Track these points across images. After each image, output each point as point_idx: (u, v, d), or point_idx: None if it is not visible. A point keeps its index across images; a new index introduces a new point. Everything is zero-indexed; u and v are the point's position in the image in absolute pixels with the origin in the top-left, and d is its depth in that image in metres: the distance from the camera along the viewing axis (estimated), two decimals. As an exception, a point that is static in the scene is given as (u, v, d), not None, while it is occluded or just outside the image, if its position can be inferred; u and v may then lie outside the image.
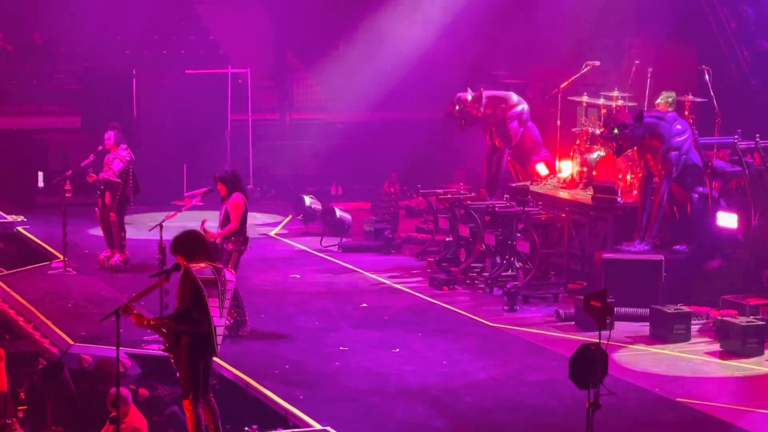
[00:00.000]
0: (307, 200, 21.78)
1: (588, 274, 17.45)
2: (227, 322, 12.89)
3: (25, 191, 23.15)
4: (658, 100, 17.46)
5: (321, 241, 20.40)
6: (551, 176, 19.56)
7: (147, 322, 10.95)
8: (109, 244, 18.25)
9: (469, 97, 19.63)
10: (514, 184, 19.53)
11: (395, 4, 26.44)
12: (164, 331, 11.02)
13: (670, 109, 17.18)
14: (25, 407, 13.50)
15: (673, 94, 17.51)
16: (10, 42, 26.93)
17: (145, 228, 17.58)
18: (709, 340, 15.15)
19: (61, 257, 18.18)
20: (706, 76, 18.09)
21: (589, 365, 9.81)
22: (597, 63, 19.75)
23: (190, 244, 11.12)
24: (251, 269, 17.96)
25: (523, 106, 19.92)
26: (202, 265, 10.99)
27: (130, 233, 18.68)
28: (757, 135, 16.66)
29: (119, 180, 17.83)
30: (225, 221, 14.87)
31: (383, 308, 16.53)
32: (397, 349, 14.69)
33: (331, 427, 11.89)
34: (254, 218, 20.47)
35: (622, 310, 15.60)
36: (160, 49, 27.56)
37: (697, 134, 17.23)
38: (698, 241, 16.85)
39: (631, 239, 16.93)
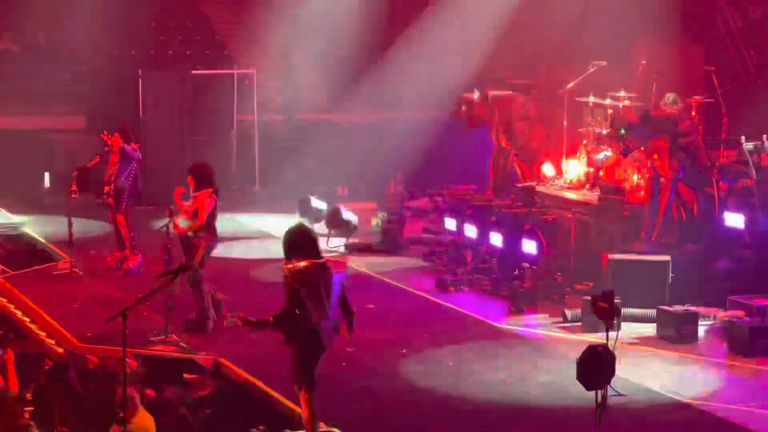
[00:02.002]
0: (314, 201, 21.73)
1: (595, 275, 17.42)
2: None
3: (31, 192, 23.14)
4: (666, 102, 17.44)
5: (327, 242, 20.37)
6: (557, 177, 19.54)
7: (251, 322, 11.02)
8: (120, 246, 18.22)
9: (476, 97, 19.61)
10: (520, 185, 19.52)
11: (400, 5, 26.42)
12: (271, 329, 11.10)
13: (676, 108, 17.17)
14: (32, 408, 13.49)
15: (674, 95, 17.49)
16: (16, 42, 26.93)
17: (149, 228, 17.57)
18: (717, 340, 15.12)
19: (67, 258, 18.17)
20: (713, 76, 18.07)
21: (597, 366, 9.80)
22: (603, 63, 19.70)
23: (293, 242, 11.14)
24: (257, 270, 17.97)
25: (529, 107, 19.89)
26: (303, 263, 10.98)
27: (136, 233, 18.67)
28: (764, 135, 16.65)
29: (140, 156, 17.91)
30: (193, 217, 14.84)
31: (389, 309, 16.50)
32: (404, 350, 14.67)
33: (337, 427, 11.87)
34: (260, 219, 20.46)
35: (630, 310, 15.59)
36: (165, 49, 27.55)
37: (703, 134, 17.20)
38: (705, 241, 16.82)
39: (638, 240, 16.91)
